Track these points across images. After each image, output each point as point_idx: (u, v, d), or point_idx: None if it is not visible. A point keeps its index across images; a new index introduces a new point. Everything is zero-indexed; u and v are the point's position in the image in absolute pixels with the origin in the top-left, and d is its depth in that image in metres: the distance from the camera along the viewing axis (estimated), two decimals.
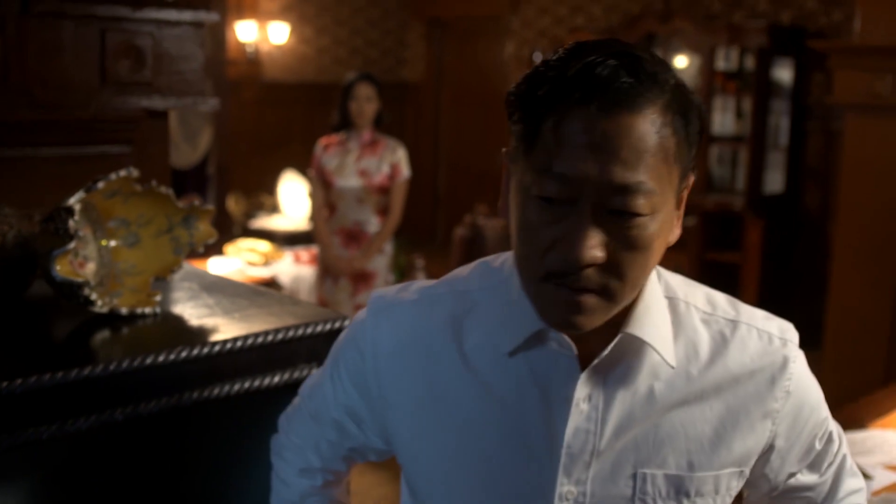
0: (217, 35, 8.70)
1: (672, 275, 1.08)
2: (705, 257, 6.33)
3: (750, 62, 6.43)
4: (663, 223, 0.93)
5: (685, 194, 0.97)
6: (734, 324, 1.05)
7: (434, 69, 9.82)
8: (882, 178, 4.28)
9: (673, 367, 1.01)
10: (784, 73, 6.66)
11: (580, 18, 8.44)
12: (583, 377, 1.00)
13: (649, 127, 0.89)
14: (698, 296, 1.07)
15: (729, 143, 6.60)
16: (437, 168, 9.98)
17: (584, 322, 0.93)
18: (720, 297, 1.08)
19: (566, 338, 0.99)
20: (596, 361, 0.99)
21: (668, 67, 0.92)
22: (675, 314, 1.04)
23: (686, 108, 0.92)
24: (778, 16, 6.97)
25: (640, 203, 0.89)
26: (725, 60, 6.58)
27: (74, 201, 1.20)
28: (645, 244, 0.91)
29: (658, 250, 0.94)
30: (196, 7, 1.66)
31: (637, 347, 1.01)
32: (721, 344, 1.04)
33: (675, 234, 0.97)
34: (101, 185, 1.24)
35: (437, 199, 10.06)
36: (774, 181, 6.66)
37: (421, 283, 1.13)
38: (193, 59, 1.68)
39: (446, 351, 1.05)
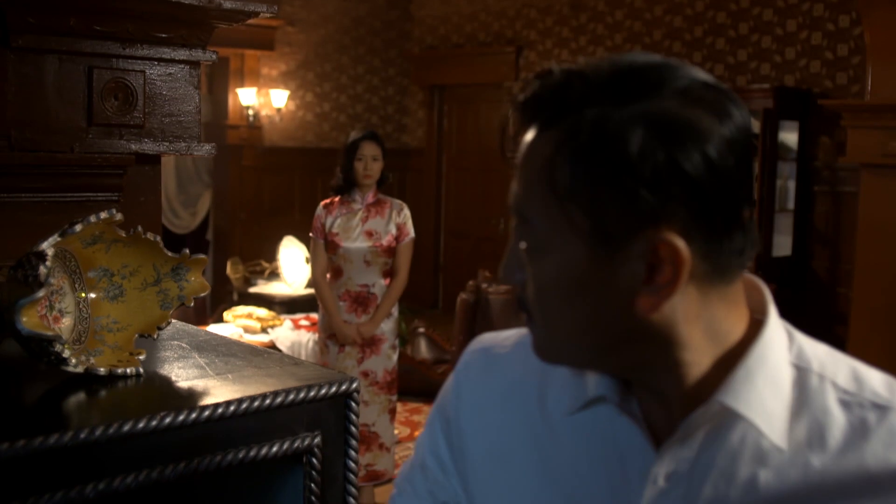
0: (218, 100, 8.69)
1: (813, 342, 0.88)
2: None
3: (755, 125, 6.37)
4: (569, 271, 0.79)
5: (652, 260, 0.77)
6: (884, 410, 0.82)
7: (435, 135, 9.79)
8: None
9: (781, 450, 0.81)
10: (790, 137, 6.60)
11: None
12: (662, 449, 0.84)
13: (542, 148, 0.79)
14: (841, 370, 0.86)
15: None
16: (438, 234, 9.89)
17: (534, 350, 0.86)
18: (874, 377, 0.86)
19: (634, 402, 0.86)
20: (676, 433, 0.83)
21: (619, 92, 0.77)
22: (801, 388, 0.84)
23: (608, 138, 0.75)
24: (781, 80, 6.94)
25: (519, 229, 0.82)
26: None
27: (47, 246, 1.06)
28: (537, 281, 0.81)
29: (568, 301, 0.80)
30: (192, 45, 1.54)
31: (734, 421, 0.82)
32: (860, 433, 0.81)
33: (644, 304, 0.78)
34: (78, 228, 1.10)
35: (438, 266, 9.94)
36: (782, 244, 6.57)
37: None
38: (188, 100, 1.56)
39: (529, 404, 0.95)
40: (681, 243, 0.76)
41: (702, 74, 0.80)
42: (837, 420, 0.82)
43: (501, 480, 0.95)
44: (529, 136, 0.81)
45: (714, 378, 0.81)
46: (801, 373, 0.84)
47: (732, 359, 0.82)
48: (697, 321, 0.80)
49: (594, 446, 0.88)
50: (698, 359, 0.82)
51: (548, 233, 0.79)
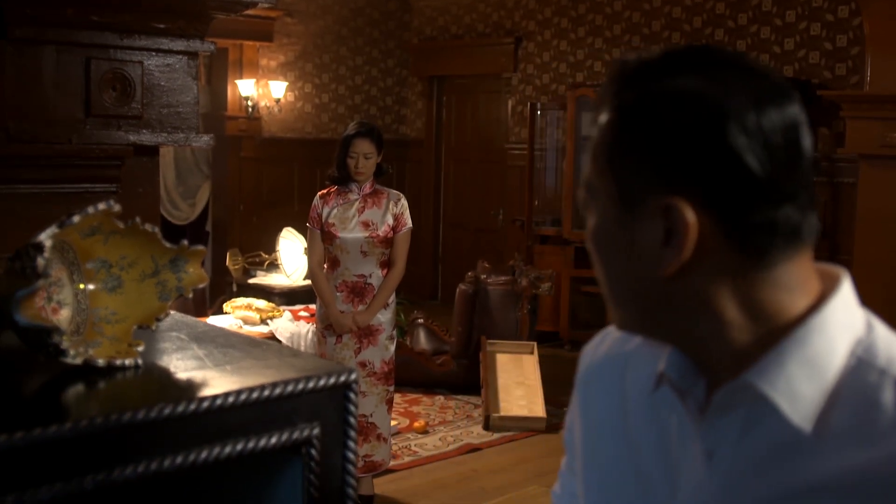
0: (217, 91, 8.67)
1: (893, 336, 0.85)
2: None
3: None
4: (605, 232, 0.87)
5: (667, 225, 0.81)
6: None
7: (433, 126, 9.78)
8: None
9: (802, 430, 0.80)
10: None
11: (580, 75, 8.42)
12: (699, 428, 0.86)
13: (602, 121, 0.86)
14: None
15: None
16: (438, 225, 9.89)
17: (613, 322, 0.93)
18: None
19: (702, 384, 0.87)
20: (708, 410, 0.85)
21: (668, 73, 0.82)
22: (855, 380, 0.81)
23: (643, 114, 0.82)
24: (780, 71, 6.93)
25: (580, 193, 0.89)
26: None
27: (45, 237, 1.06)
28: (591, 240, 0.88)
29: (608, 262, 0.88)
30: (190, 36, 1.54)
31: (765, 403, 0.82)
32: None
33: (662, 267, 0.82)
34: (76, 219, 1.10)
35: (437, 257, 9.94)
36: None
37: None
38: (186, 91, 1.56)
39: (625, 380, 0.99)
40: (689, 212, 0.79)
41: (749, 62, 0.83)
42: (887, 417, 0.79)
43: (594, 447, 1.02)
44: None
45: (755, 358, 0.82)
46: (862, 365, 0.82)
47: (776, 340, 0.82)
48: (733, 298, 0.82)
49: (660, 424, 0.92)
50: (737, 336, 0.83)
51: (597, 198, 0.86)
